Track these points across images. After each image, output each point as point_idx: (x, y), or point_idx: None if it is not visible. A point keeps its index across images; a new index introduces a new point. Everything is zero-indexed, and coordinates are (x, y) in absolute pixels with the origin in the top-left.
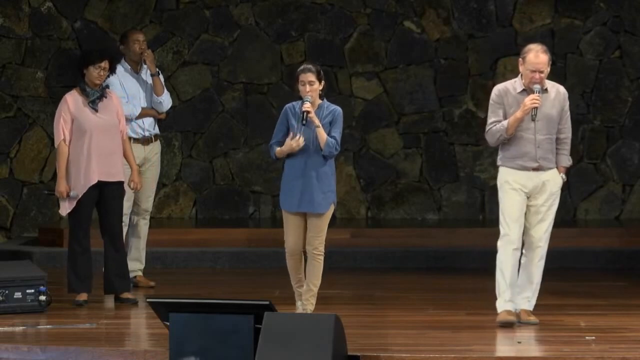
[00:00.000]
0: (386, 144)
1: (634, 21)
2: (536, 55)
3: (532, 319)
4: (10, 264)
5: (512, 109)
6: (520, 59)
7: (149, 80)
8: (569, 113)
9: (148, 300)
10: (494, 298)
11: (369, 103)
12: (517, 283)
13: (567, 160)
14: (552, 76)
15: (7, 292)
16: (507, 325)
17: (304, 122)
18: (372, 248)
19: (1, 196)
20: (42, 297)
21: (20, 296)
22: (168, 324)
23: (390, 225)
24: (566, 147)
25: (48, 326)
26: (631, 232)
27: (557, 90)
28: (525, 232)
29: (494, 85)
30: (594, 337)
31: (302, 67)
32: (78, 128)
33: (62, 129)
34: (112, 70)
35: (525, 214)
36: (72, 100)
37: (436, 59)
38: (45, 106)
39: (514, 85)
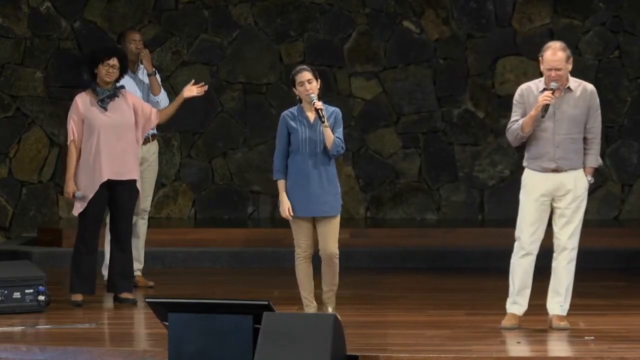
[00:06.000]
0: (385, 144)
1: (634, 21)
2: (553, 53)
3: (563, 324)
4: (9, 264)
5: (532, 108)
6: (540, 57)
7: (146, 80)
8: (599, 111)
9: (147, 300)
10: (493, 298)
11: (368, 103)
12: (550, 287)
13: (594, 161)
14: None
15: (6, 292)
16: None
17: (323, 120)
18: (371, 248)
19: (0, 196)
20: (41, 297)
21: (19, 296)
22: (167, 324)
23: (389, 225)
24: (594, 147)
25: (47, 326)
26: (631, 232)
27: (583, 89)
28: (553, 235)
29: (493, 85)
30: (593, 337)
31: (296, 69)
32: (88, 127)
33: (71, 129)
34: (122, 68)
35: (552, 217)
36: (81, 100)
37: (435, 58)
38: (44, 106)
39: (537, 84)
